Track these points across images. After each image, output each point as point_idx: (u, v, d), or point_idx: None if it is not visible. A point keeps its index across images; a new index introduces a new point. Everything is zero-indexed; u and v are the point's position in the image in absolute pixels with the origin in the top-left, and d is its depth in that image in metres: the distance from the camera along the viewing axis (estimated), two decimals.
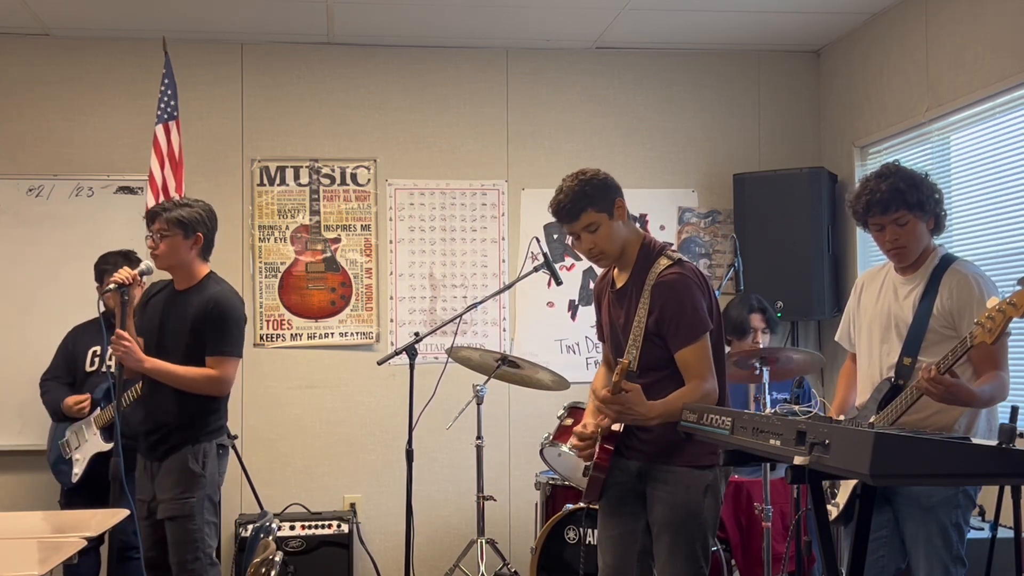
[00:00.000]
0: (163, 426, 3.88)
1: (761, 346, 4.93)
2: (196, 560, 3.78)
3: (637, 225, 3.68)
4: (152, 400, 3.93)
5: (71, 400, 4.69)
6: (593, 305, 3.59)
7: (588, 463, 3.32)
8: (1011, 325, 2.83)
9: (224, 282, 4.02)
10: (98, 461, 4.57)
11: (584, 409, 3.85)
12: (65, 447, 4.71)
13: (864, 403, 3.35)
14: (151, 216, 3.98)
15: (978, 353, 2.99)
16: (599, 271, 3.57)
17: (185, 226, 3.91)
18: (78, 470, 4.66)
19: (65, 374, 4.90)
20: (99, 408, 4.67)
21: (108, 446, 4.50)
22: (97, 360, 4.84)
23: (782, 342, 5.87)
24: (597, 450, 3.25)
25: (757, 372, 4.49)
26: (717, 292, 5.45)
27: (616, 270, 3.38)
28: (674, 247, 3.35)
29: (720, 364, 3.24)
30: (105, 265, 4.74)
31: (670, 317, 3.14)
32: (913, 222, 3.25)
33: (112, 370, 4.62)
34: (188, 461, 3.82)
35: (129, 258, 4.71)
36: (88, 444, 4.65)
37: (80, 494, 4.66)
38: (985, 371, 3.14)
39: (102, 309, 4.02)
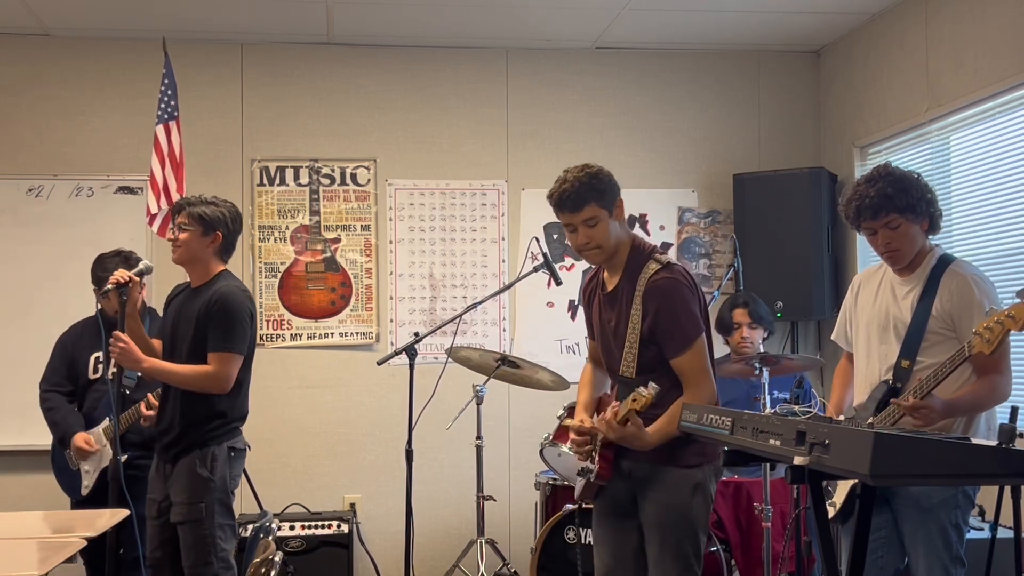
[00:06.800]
0: (171, 428, 3.87)
1: (749, 341, 4.92)
2: (207, 564, 3.77)
3: (636, 227, 3.67)
4: (164, 402, 3.94)
5: (82, 442, 4.37)
6: (582, 303, 3.59)
7: (583, 463, 3.32)
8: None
9: (235, 279, 3.98)
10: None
11: None
12: (71, 458, 4.47)
13: (862, 404, 3.36)
14: (177, 207, 3.98)
15: (978, 357, 2.99)
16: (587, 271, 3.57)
17: (205, 223, 3.89)
18: (88, 482, 4.43)
19: (65, 381, 4.59)
20: (108, 419, 4.37)
21: (124, 457, 4.19)
22: (100, 367, 4.60)
23: (782, 342, 5.87)
24: (597, 459, 3.25)
25: (757, 372, 4.50)
26: (717, 292, 5.50)
27: (606, 272, 3.38)
28: (661, 250, 3.35)
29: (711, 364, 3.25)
30: (103, 271, 4.45)
31: (663, 325, 3.16)
32: (905, 225, 3.24)
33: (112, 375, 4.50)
34: (196, 466, 3.79)
35: (128, 259, 4.51)
36: (99, 456, 4.41)
37: (92, 505, 4.35)
38: (985, 373, 3.15)
39: (100, 310, 3.98)
